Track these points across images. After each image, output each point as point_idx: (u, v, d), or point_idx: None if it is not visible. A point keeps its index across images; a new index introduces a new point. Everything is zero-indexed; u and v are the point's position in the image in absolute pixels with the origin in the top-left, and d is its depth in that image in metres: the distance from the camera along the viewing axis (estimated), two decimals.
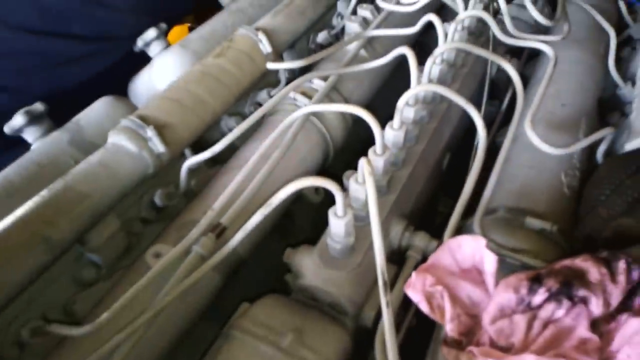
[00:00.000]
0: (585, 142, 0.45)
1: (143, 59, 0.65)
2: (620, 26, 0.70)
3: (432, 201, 0.56)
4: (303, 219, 0.60)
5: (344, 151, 0.60)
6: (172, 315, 0.40)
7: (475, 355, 0.26)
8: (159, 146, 0.46)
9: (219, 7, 0.74)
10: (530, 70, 0.68)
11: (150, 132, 0.46)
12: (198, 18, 0.82)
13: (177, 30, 0.85)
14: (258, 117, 0.50)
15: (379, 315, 0.39)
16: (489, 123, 0.62)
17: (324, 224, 0.42)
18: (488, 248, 0.32)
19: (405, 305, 0.43)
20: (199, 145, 0.54)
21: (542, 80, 0.52)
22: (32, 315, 0.41)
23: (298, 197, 0.56)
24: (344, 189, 0.40)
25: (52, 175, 0.46)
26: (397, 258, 0.46)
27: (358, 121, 0.44)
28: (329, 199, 0.38)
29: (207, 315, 0.46)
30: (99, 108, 0.54)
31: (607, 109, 0.61)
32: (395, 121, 0.44)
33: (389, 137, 0.45)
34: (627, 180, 0.36)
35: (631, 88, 0.57)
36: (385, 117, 0.47)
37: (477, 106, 0.48)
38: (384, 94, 0.66)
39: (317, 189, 0.57)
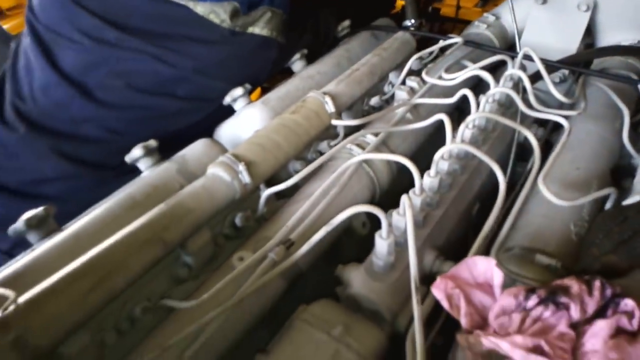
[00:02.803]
0: (589, 197, 0.54)
1: (225, 112, 0.81)
2: (638, 106, 0.80)
3: (461, 241, 0.66)
4: (350, 249, 0.71)
5: (388, 194, 0.72)
6: (248, 307, 0.52)
7: (479, 336, 0.36)
8: (246, 178, 0.60)
9: (289, 73, 0.91)
10: (555, 138, 0.79)
11: (241, 167, 0.59)
12: (270, 82, 0.99)
13: (255, 93, 1.03)
14: (322, 161, 0.63)
15: (410, 324, 0.49)
16: (516, 181, 0.72)
17: (367, 253, 0.53)
18: (497, 267, 0.42)
19: (431, 322, 0.52)
20: (269, 181, 0.68)
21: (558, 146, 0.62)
22: (140, 299, 0.54)
23: (347, 229, 0.68)
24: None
25: (163, 195, 0.60)
26: (428, 281, 0.56)
27: (401, 171, 0.56)
28: (372, 234, 0.50)
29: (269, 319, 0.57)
30: (199, 146, 0.69)
31: (622, 175, 0.70)
32: (432, 170, 0.56)
33: (426, 182, 0.56)
34: (616, 228, 0.46)
35: None
36: (424, 168, 0.59)
37: (505, 165, 0.59)
38: (425, 150, 0.78)
39: (364, 224, 0.68)
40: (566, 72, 0.91)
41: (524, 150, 0.79)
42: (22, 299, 0.43)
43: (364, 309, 0.52)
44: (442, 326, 0.53)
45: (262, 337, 0.53)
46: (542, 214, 0.57)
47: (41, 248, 0.54)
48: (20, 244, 0.58)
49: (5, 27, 1.83)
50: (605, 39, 0.93)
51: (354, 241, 0.69)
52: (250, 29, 0.78)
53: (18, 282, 0.50)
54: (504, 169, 0.57)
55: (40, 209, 0.57)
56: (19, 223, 0.56)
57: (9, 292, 0.43)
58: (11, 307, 0.42)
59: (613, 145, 0.70)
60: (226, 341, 0.50)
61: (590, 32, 0.96)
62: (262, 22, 0.79)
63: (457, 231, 0.63)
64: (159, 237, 0.52)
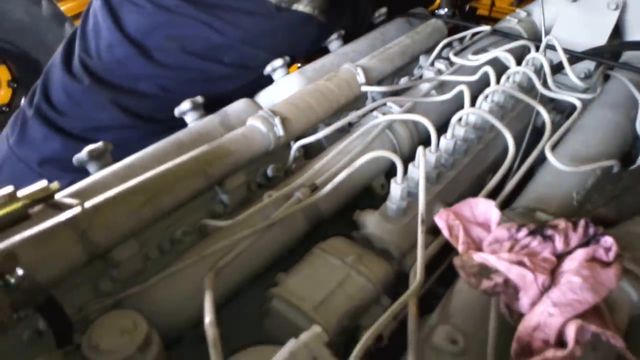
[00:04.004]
0: (593, 166, 0.59)
1: (265, 80, 0.89)
2: None
3: None
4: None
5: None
6: (274, 236, 0.59)
7: (471, 254, 0.42)
8: (280, 131, 0.67)
9: (326, 53, 0.98)
10: None
11: (276, 121, 0.67)
12: (307, 61, 1.06)
13: (292, 68, 1.11)
14: (348, 120, 0.70)
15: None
16: None
17: None
18: (496, 207, 0.48)
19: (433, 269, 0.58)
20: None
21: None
22: (180, 225, 0.62)
23: (367, 189, 0.75)
24: None
25: (206, 141, 0.67)
26: (436, 232, 0.61)
27: (424, 144, 0.61)
28: None
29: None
30: (240, 104, 0.77)
31: (635, 158, 0.74)
32: (448, 133, 0.62)
33: (442, 143, 0.62)
34: (608, 186, 0.51)
35: None
36: None
37: (520, 143, 0.63)
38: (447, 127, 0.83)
39: (383, 185, 0.75)
40: (591, 68, 0.95)
41: (541, 134, 0.83)
42: (87, 204, 0.52)
43: (375, 247, 0.58)
44: (445, 277, 0.58)
45: (284, 268, 0.60)
46: (548, 181, 0.62)
47: (99, 173, 0.62)
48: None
49: (62, 8, 1.98)
50: (633, 37, 0.96)
51: (372, 202, 0.75)
52: (295, 6, 0.86)
53: (82, 195, 0.59)
54: (518, 147, 0.61)
55: (100, 143, 0.66)
56: (82, 153, 0.65)
57: (77, 201, 0.51)
58: (79, 209, 0.50)
59: (626, 132, 0.74)
60: (254, 262, 0.57)
61: (618, 31, 0.99)
62: (306, 0, 0.86)
63: (469, 195, 0.69)
64: (203, 169, 0.60)
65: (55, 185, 0.45)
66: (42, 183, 0.44)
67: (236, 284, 0.57)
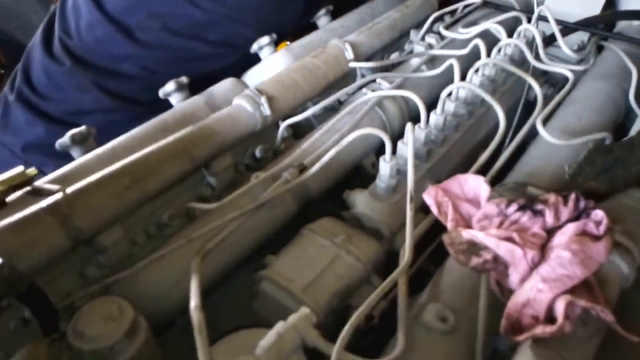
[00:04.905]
0: (584, 139, 0.58)
1: (252, 59, 0.86)
2: None
3: None
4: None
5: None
6: (262, 218, 0.58)
7: (460, 231, 0.41)
8: (267, 110, 0.65)
9: (314, 29, 0.95)
10: None
11: (262, 100, 0.65)
12: (295, 38, 1.04)
13: (281, 46, 1.08)
14: (336, 97, 0.68)
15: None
16: None
17: None
18: (485, 183, 0.47)
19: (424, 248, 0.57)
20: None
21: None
22: (166, 209, 0.61)
23: (357, 168, 0.74)
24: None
25: (191, 121, 0.66)
26: (426, 210, 0.61)
27: (413, 120, 0.60)
28: None
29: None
30: (226, 84, 0.75)
31: (628, 131, 0.73)
32: (438, 108, 0.60)
33: (431, 119, 0.61)
34: (599, 158, 0.50)
35: None
36: None
37: (511, 119, 0.62)
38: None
39: (373, 164, 0.73)
40: (585, 39, 0.93)
41: (533, 108, 0.82)
42: (69, 189, 0.50)
43: (365, 227, 0.57)
44: (436, 255, 0.58)
45: (273, 251, 0.60)
46: (539, 155, 0.61)
47: (83, 157, 0.61)
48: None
49: None
50: (627, 6, 0.94)
51: (363, 181, 0.74)
52: None
53: (64, 181, 0.57)
54: (510, 122, 0.60)
55: (83, 127, 0.64)
56: (65, 138, 0.64)
57: (58, 186, 0.50)
58: (60, 194, 0.49)
59: (619, 103, 0.73)
60: (242, 244, 0.57)
61: (613, 1, 0.97)
62: None
63: (460, 172, 0.68)
64: (188, 151, 0.58)
65: (32, 170, 0.44)
66: (19, 168, 0.43)
67: (225, 266, 0.56)
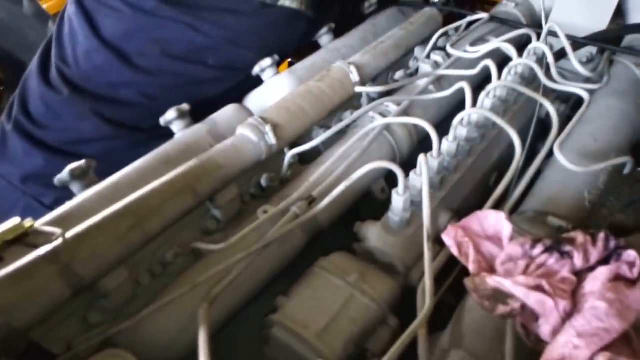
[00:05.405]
0: (604, 165, 0.56)
1: (253, 82, 0.84)
2: None
3: (478, 208, 0.68)
4: (368, 215, 0.74)
5: (409, 166, 0.74)
6: (271, 254, 0.56)
7: (485, 277, 0.39)
8: (272, 139, 0.63)
9: (317, 48, 0.93)
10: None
11: (267, 129, 0.63)
12: (298, 56, 1.02)
13: (283, 65, 1.06)
14: (344, 125, 0.66)
15: (422, 278, 0.52)
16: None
17: None
18: (507, 220, 0.45)
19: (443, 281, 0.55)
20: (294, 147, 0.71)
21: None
22: (171, 246, 0.59)
23: (366, 194, 0.71)
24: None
25: (194, 152, 0.64)
26: (441, 241, 0.58)
27: (422, 143, 0.58)
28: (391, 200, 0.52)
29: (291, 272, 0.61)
30: (228, 110, 0.73)
31: None
32: (450, 135, 0.58)
33: (444, 146, 0.59)
34: (626, 190, 0.47)
35: None
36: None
37: (525, 139, 0.59)
38: (447, 123, 0.80)
39: (383, 190, 0.71)
40: (594, 51, 0.91)
41: (545, 127, 0.80)
42: (69, 234, 0.48)
43: (379, 262, 0.55)
44: (454, 285, 0.55)
45: (284, 286, 0.57)
46: (557, 180, 0.59)
47: (84, 194, 0.58)
48: (63, 199, 0.63)
49: (44, 6, 1.91)
50: (637, 18, 0.92)
51: (372, 207, 0.72)
52: (281, 2, 0.81)
53: (64, 222, 0.55)
54: (523, 142, 0.58)
55: (82, 161, 0.62)
56: (64, 173, 0.61)
57: (57, 230, 0.48)
58: (60, 240, 0.47)
59: (635, 121, 0.71)
60: (251, 284, 0.54)
61: (621, 12, 0.95)
62: None
63: (474, 198, 0.65)
64: (191, 187, 0.56)
65: (29, 222, 0.41)
66: (15, 220, 0.41)
67: (233, 308, 0.54)
